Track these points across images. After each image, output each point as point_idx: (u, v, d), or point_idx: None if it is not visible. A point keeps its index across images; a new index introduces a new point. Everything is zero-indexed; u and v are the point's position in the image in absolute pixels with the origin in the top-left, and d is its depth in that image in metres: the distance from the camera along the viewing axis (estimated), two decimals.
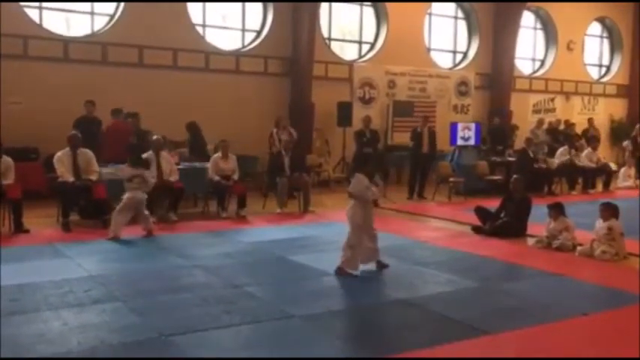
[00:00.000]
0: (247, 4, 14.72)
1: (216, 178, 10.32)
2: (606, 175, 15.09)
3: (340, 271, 6.48)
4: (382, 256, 6.82)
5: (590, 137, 16.51)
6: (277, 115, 13.54)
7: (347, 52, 16.31)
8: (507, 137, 15.89)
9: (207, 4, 14.19)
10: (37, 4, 12.38)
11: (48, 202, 9.69)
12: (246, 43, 14.81)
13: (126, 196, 8.36)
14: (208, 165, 10.53)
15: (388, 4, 16.13)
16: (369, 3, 16.35)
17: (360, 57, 16.41)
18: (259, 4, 14.86)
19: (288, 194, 11.01)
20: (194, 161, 11.26)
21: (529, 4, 18.28)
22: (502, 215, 9.04)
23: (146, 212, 8.54)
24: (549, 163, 14.25)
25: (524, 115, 18.39)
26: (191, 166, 10.84)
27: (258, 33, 14.87)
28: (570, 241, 7.93)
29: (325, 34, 15.72)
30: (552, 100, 19.51)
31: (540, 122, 16.60)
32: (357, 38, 16.49)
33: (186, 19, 13.74)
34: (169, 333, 4.68)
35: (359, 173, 6.66)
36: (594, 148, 15.39)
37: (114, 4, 13.05)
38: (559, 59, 19.53)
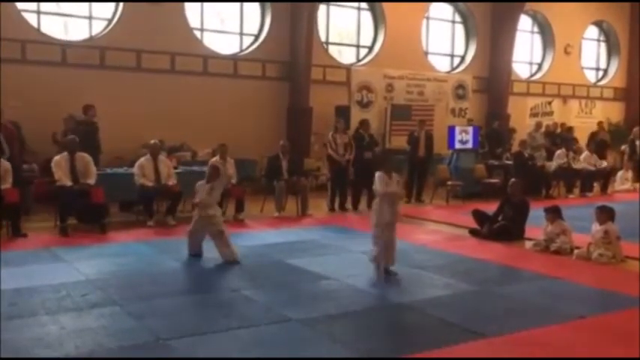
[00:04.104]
0: (245, 8, 14.73)
1: None
2: (604, 178, 15.10)
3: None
4: None
5: (599, 142, 16.45)
6: (335, 119, 12.56)
7: (345, 56, 16.34)
8: (505, 140, 15.92)
9: (205, 8, 14.21)
10: (34, 4, 12.38)
11: (45, 207, 9.67)
12: (244, 47, 14.83)
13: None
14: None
15: (386, 9, 16.16)
16: (366, 7, 16.39)
17: (358, 61, 16.43)
18: (257, 9, 14.89)
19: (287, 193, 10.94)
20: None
21: (526, 7, 18.33)
22: (500, 218, 9.05)
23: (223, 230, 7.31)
24: (547, 166, 14.28)
25: (522, 119, 18.42)
26: (189, 169, 10.84)
27: (256, 37, 14.89)
28: (568, 245, 7.95)
29: (323, 38, 15.74)
30: (550, 103, 19.55)
31: (538, 125, 16.62)
32: (354, 42, 16.53)
33: (184, 24, 13.75)
34: (167, 337, 4.68)
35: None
36: (596, 152, 15.34)
37: (111, 9, 13.07)
38: (556, 63, 19.58)
